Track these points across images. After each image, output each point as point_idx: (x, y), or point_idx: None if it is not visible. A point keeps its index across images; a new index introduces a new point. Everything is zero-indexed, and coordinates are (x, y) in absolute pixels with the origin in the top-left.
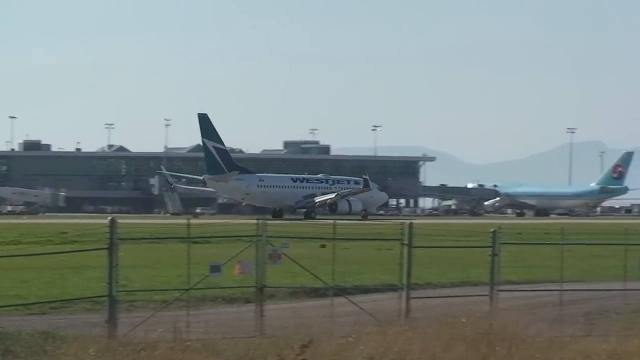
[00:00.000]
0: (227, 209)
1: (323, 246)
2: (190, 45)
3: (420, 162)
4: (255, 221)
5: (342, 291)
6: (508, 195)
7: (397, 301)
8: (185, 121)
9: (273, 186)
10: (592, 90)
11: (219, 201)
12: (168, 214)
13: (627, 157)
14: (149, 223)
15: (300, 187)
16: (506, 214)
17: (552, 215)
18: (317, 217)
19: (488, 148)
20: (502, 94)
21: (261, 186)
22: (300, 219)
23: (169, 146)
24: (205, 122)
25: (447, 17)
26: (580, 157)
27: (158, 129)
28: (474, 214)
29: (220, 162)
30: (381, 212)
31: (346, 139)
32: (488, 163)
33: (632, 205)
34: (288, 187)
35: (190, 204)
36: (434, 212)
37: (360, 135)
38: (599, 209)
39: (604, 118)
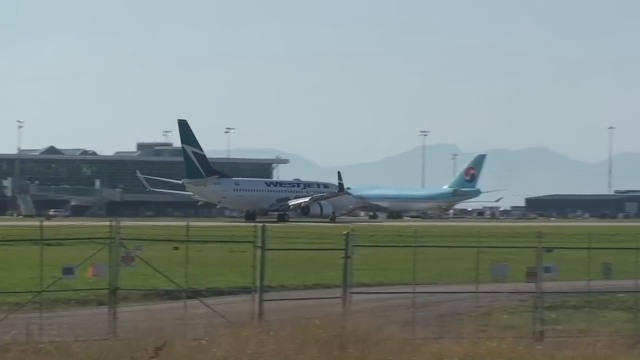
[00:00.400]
0: (81, 211)
1: (176, 248)
2: (42, 47)
3: (274, 165)
4: (108, 223)
5: (195, 293)
6: (361, 197)
7: (250, 303)
8: (38, 123)
9: (248, 190)
10: (445, 93)
11: (73, 203)
12: (20, 216)
13: (480, 160)
14: (0, 225)
15: (273, 191)
16: (359, 216)
17: (405, 218)
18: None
19: (341, 150)
20: (356, 96)
21: (237, 190)
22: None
23: (21, 148)
24: (184, 128)
25: (292, 19)
26: (433, 159)
27: (10, 131)
28: None
29: (199, 167)
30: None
31: (199, 141)
32: (341, 165)
33: (484, 207)
34: (262, 190)
35: (43, 206)
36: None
37: (213, 138)
38: (451, 211)
39: (456, 121)
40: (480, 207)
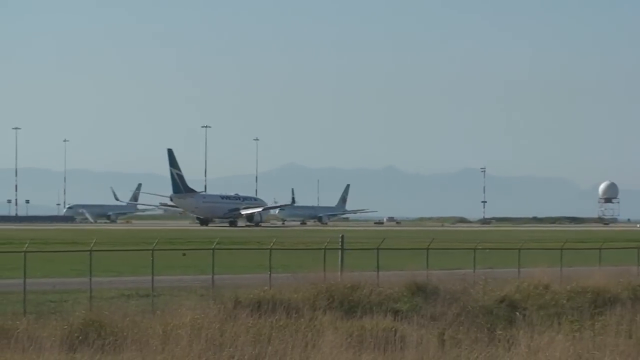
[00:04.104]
0: None
1: None
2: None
3: None
4: None
5: None
6: None
7: None
8: None
9: (210, 202)
10: None
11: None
12: None
13: None
14: None
15: (226, 203)
16: None
17: None
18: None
19: None
20: None
21: (204, 202)
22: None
23: None
24: (171, 155)
25: None
26: None
27: None
28: None
29: (180, 185)
30: None
31: None
32: None
33: None
34: (219, 203)
35: None
36: None
37: None
38: None
39: None
40: None
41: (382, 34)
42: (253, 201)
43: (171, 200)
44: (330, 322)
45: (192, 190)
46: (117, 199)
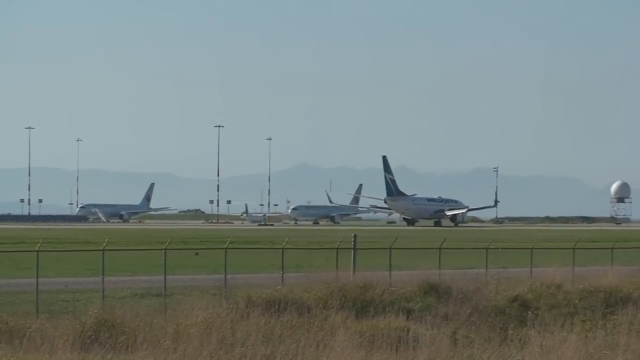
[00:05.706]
0: None
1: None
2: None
3: None
4: None
5: None
6: None
7: None
8: None
9: (419, 204)
10: None
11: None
12: None
13: None
14: None
15: (432, 205)
16: None
17: None
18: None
19: None
20: None
21: (414, 204)
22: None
23: None
24: (385, 161)
25: None
26: None
27: None
28: None
29: (392, 188)
30: None
31: None
32: None
33: None
34: (425, 205)
35: None
36: None
37: None
38: None
39: None
40: None
41: (393, 35)
42: (454, 203)
43: (385, 202)
44: (342, 321)
45: (403, 194)
46: (330, 202)
